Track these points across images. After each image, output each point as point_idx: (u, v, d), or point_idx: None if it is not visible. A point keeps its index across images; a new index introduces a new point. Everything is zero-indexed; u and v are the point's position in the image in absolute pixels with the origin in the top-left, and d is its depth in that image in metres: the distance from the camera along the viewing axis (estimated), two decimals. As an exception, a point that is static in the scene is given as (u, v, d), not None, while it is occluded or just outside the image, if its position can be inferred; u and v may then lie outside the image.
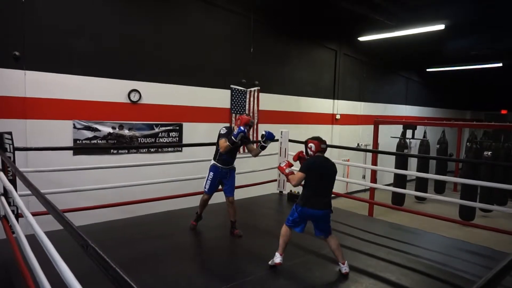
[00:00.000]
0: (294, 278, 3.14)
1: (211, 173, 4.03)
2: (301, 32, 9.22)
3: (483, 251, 4.00)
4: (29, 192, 2.32)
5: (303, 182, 3.18)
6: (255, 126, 8.11)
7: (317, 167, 3.19)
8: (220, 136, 3.98)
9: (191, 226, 4.17)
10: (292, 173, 3.23)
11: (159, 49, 6.47)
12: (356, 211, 5.91)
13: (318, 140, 3.28)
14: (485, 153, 9.07)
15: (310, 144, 3.27)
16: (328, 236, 3.19)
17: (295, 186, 3.32)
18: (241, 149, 7.82)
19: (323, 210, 3.11)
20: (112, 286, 1.10)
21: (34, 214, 2.22)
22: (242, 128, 3.81)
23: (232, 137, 3.81)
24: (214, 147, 4.20)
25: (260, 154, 4.11)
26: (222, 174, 4.04)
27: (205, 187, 4.07)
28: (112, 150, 6.00)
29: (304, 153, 3.36)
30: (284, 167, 3.29)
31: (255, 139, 8.05)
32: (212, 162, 4.08)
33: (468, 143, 9.82)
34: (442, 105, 16.18)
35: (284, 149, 5.83)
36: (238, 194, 5.85)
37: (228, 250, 3.81)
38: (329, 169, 3.23)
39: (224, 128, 4.04)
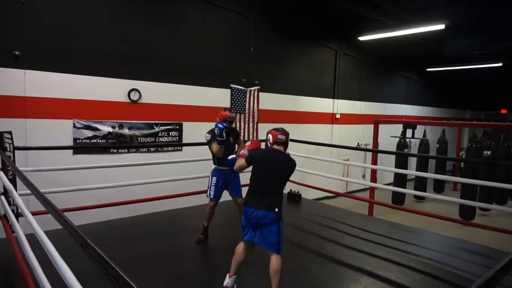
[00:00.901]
0: (294, 278, 3.14)
1: (214, 178, 3.90)
2: (301, 32, 9.21)
3: (482, 250, 4.00)
4: (29, 191, 2.32)
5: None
6: (255, 125, 8.11)
7: (262, 160, 2.74)
8: (208, 143, 3.86)
9: (198, 239, 3.89)
10: (243, 155, 2.86)
11: (159, 48, 6.47)
12: (356, 210, 5.92)
13: (275, 130, 2.84)
14: (485, 152, 9.07)
15: (269, 135, 2.86)
16: (275, 252, 2.62)
17: (236, 170, 3.06)
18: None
19: (262, 211, 2.60)
20: (112, 285, 1.10)
21: (34, 214, 2.22)
22: (220, 125, 3.66)
23: (217, 137, 3.71)
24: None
25: None
26: (226, 176, 3.92)
27: (209, 194, 3.91)
28: (112, 150, 6.00)
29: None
30: (245, 147, 2.95)
31: (256, 138, 8.05)
32: (213, 166, 3.96)
33: (469, 143, 9.80)
34: (442, 105, 16.18)
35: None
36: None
37: (228, 250, 3.79)
38: (279, 164, 2.74)
39: (207, 134, 3.90)
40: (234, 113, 3.97)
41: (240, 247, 2.78)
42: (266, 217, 2.61)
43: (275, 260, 2.61)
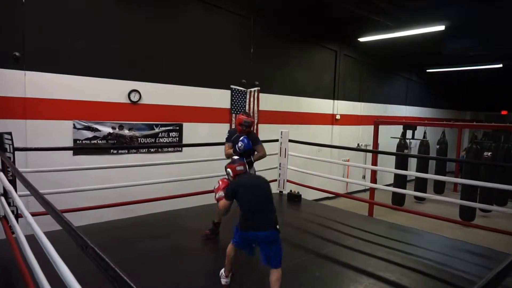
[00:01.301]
0: (294, 278, 3.13)
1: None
2: (301, 33, 9.22)
3: (483, 251, 4.00)
4: (28, 192, 2.32)
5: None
6: (255, 126, 8.11)
7: (243, 189, 2.82)
8: (226, 140, 3.85)
9: (204, 236, 3.84)
10: (221, 198, 2.97)
11: (159, 49, 6.47)
12: (356, 211, 5.91)
13: (232, 163, 3.00)
14: (485, 153, 9.07)
15: (228, 170, 2.98)
16: (279, 267, 2.66)
17: (223, 215, 3.24)
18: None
19: (263, 232, 2.64)
20: (111, 286, 1.10)
21: (33, 215, 2.22)
22: (245, 140, 3.65)
23: (237, 149, 3.69)
24: (214, 147, 4.19)
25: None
26: None
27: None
28: (112, 150, 6.01)
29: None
30: (217, 190, 3.06)
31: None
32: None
33: (469, 144, 9.81)
34: (442, 106, 16.19)
35: (284, 149, 5.82)
36: (238, 194, 5.88)
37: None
38: (257, 186, 2.89)
39: (227, 133, 3.90)
40: (249, 119, 3.90)
41: (231, 249, 2.85)
42: (268, 236, 2.66)
43: (276, 271, 2.66)
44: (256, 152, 3.90)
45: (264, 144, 4.17)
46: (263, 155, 3.72)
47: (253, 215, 2.72)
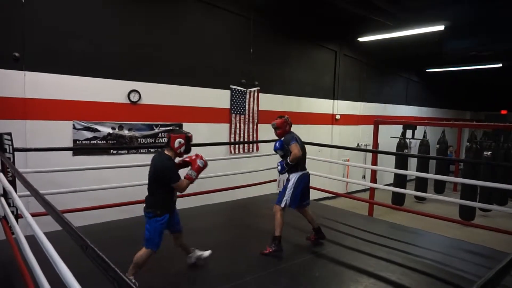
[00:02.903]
0: (294, 278, 3.13)
1: (302, 186, 3.72)
2: (301, 33, 9.22)
3: (483, 250, 4.00)
4: (28, 192, 2.32)
5: None
6: (255, 126, 8.12)
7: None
8: (293, 141, 3.74)
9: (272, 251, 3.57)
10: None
11: (159, 49, 6.47)
12: (356, 211, 5.92)
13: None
14: (485, 153, 9.07)
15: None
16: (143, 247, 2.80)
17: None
18: (241, 149, 7.86)
19: (144, 212, 2.85)
20: (111, 286, 1.10)
21: (33, 215, 2.22)
22: (276, 144, 3.87)
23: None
24: (214, 147, 4.17)
25: (261, 154, 4.06)
26: (309, 181, 3.84)
27: (286, 203, 3.65)
28: (111, 151, 6.00)
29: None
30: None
31: (256, 139, 8.06)
32: (300, 173, 3.75)
33: (468, 143, 9.80)
34: (442, 106, 16.19)
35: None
36: (238, 194, 5.89)
37: (228, 250, 3.80)
38: (151, 164, 2.94)
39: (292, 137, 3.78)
40: (275, 121, 3.91)
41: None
42: (145, 216, 2.89)
43: (140, 253, 2.84)
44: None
45: (264, 144, 4.17)
46: (295, 154, 3.63)
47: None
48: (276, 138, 3.93)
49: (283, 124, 3.84)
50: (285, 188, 3.76)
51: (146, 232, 2.81)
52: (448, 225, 6.93)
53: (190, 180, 2.93)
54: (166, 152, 2.93)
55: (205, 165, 3.02)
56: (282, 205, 3.66)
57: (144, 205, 2.87)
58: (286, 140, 3.77)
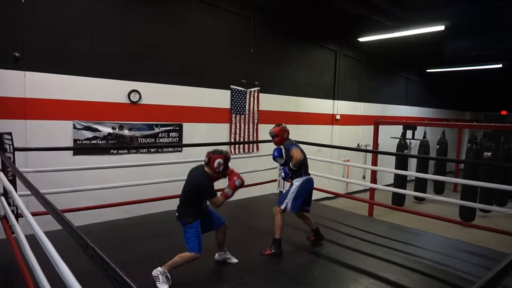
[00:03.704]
0: (294, 278, 3.14)
1: (306, 190, 3.72)
2: (301, 33, 9.22)
3: (483, 251, 4.00)
4: (29, 192, 2.32)
5: None
6: (255, 126, 8.12)
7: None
8: (293, 147, 3.75)
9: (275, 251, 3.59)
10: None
11: (159, 49, 6.48)
12: (356, 211, 5.92)
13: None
14: (485, 153, 9.07)
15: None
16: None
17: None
18: (241, 149, 7.85)
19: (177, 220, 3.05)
20: (111, 286, 1.10)
21: (33, 214, 2.22)
22: (274, 152, 4.01)
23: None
24: (213, 147, 4.18)
25: (261, 154, 4.07)
26: (312, 185, 3.83)
27: (286, 206, 3.67)
28: (112, 150, 6.00)
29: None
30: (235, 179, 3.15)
31: (256, 139, 8.06)
32: (304, 177, 3.75)
33: (468, 144, 9.81)
34: (442, 106, 16.18)
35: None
36: (238, 194, 5.87)
37: (228, 250, 3.80)
38: (189, 178, 3.16)
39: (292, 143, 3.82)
40: (273, 129, 3.94)
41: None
42: (181, 226, 3.06)
43: (180, 255, 3.02)
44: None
45: (264, 144, 4.17)
46: (296, 158, 3.63)
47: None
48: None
49: (281, 132, 3.85)
50: (288, 191, 3.77)
51: (185, 239, 3.00)
52: (448, 226, 6.92)
53: (226, 197, 3.09)
54: (205, 169, 3.08)
55: (241, 184, 3.15)
56: (282, 207, 3.67)
57: (177, 213, 3.05)
58: (285, 147, 3.80)
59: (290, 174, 3.77)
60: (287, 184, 5.91)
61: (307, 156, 3.89)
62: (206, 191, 3.01)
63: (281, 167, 3.85)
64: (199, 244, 2.97)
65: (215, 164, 3.04)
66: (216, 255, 3.37)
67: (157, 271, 2.89)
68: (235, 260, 3.36)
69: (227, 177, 3.15)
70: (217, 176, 3.11)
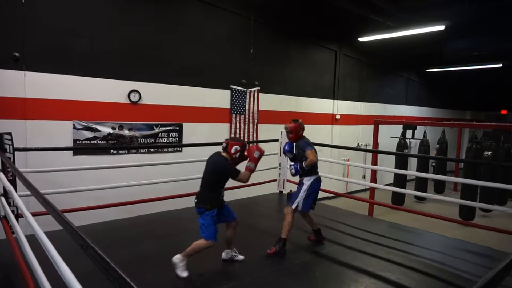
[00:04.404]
0: (294, 278, 3.14)
1: (316, 190, 3.74)
2: (301, 33, 9.22)
3: (483, 250, 4.00)
4: (29, 192, 2.32)
5: None
6: (255, 126, 8.12)
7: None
8: (309, 148, 3.72)
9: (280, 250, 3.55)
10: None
11: (159, 49, 6.47)
12: (356, 210, 5.92)
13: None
14: (485, 153, 9.07)
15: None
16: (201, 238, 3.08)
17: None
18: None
19: (195, 208, 3.14)
20: (112, 286, 1.10)
21: (34, 215, 2.22)
22: (285, 146, 3.96)
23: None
24: (214, 147, 4.17)
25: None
26: (319, 186, 3.82)
27: (298, 205, 3.67)
28: (112, 150, 6.00)
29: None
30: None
31: (256, 139, 8.06)
32: (314, 177, 3.74)
33: (468, 143, 9.81)
34: (442, 105, 16.18)
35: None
36: (239, 194, 5.88)
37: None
38: (208, 164, 3.26)
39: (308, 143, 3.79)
40: (288, 125, 3.88)
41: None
42: (198, 213, 3.15)
43: (198, 242, 3.10)
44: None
45: (264, 144, 4.16)
46: (311, 160, 3.62)
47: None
48: (277, 141, 3.96)
49: (296, 129, 3.80)
50: (298, 190, 3.76)
51: (201, 226, 3.08)
52: (448, 225, 6.93)
53: (250, 171, 3.24)
54: (223, 154, 3.22)
55: (260, 154, 3.30)
56: (294, 206, 3.67)
57: (196, 201, 3.15)
58: (300, 146, 3.77)
59: (300, 172, 3.76)
60: (287, 183, 5.93)
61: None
62: (230, 172, 3.15)
63: (293, 164, 3.79)
64: (215, 232, 3.06)
65: (232, 150, 3.16)
66: (223, 253, 3.38)
67: (176, 258, 2.98)
68: (241, 257, 3.39)
69: (248, 155, 3.28)
70: (234, 161, 3.21)
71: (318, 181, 3.79)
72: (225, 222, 3.29)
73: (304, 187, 3.70)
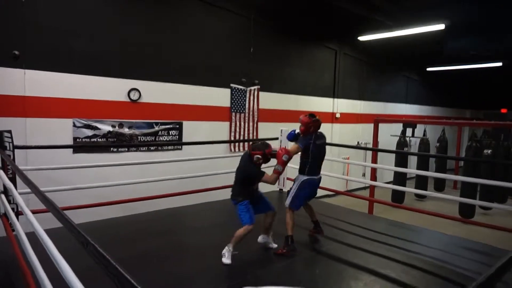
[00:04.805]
0: (294, 275, 3.14)
1: (307, 191, 3.67)
2: (301, 32, 9.20)
3: (483, 248, 4.01)
4: (29, 190, 2.32)
5: None
6: (255, 124, 8.11)
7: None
8: (299, 143, 3.67)
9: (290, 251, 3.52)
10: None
11: (159, 48, 6.46)
12: (356, 208, 5.92)
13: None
14: (485, 151, 9.07)
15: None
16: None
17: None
18: (241, 147, 7.84)
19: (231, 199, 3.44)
20: (112, 283, 1.10)
21: (34, 212, 2.22)
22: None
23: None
24: (214, 145, 4.17)
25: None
26: (316, 186, 3.76)
27: (292, 205, 3.63)
28: (112, 148, 5.99)
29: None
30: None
31: (255, 137, 8.06)
32: (305, 177, 3.65)
33: (468, 142, 9.82)
34: (442, 104, 16.17)
35: (284, 147, 5.83)
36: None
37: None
38: (240, 163, 3.52)
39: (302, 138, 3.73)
40: (301, 117, 3.84)
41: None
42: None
43: (239, 230, 3.32)
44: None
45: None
46: (288, 151, 3.55)
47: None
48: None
49: (306, 124, 3.71)
50: (291, 188, 3.76)
51: (239, 215, 3.33)
52: (448, 223, 6.92)
53: (278, 173, 3.41)
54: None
55: (289, 157, 3.43)
56: (288, 202, 3.69)
57: (231, 193, 3.45)
58: (299, 139, 3.74)
59: (294, 136, 3.83)
60: (287, 182, 5.93)
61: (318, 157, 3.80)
62: (255, 176, 3.37)
63: (293, 130, 3.93)
64: (250, 217, 3.28)
65: (254, 159, 3.35)
66: (260, 237, 3.59)
67: (224, 249, 3.23)
68: (275, 245, 3.56)
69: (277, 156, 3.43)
70: (259, 165, 3.39)
71: (310, 184, 3.67)
72: (263, 213, 3.51)
73: (294, 185, 3.72)
